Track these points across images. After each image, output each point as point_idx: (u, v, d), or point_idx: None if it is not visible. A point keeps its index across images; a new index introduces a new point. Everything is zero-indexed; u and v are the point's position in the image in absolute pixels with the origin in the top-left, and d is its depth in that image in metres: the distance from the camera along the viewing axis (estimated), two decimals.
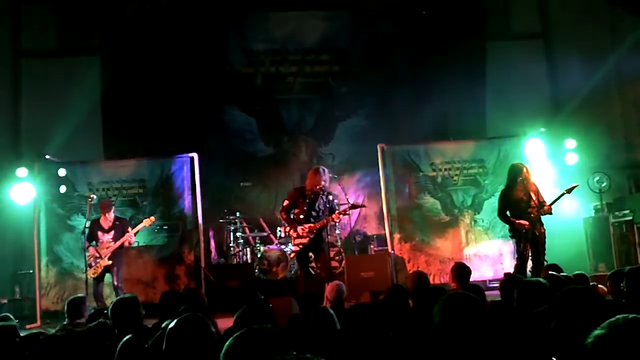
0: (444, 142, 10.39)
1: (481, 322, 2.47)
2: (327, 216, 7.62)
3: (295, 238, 7.72)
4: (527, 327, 3.34)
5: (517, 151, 9.89)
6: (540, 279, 3.85)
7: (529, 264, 7.72)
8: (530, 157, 9.83)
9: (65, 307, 5.41)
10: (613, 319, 1.78)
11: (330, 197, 7.75)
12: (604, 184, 10.32)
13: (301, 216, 7.68)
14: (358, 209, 8.95)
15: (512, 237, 7.93)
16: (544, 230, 7.77)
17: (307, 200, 7.68)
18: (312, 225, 7.61)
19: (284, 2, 11.52)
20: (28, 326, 8.34)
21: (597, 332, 1.78)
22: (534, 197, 7.75)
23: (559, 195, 7.78)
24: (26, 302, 9.82)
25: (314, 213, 7.68)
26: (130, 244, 8.49)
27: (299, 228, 7.65)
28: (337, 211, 7.73)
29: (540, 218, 7.74)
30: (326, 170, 7.83)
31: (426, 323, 2.71)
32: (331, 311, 3.68)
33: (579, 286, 3.21)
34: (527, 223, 7.62)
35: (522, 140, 10.06)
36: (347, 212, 7.81)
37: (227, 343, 2.20)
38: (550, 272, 5.07)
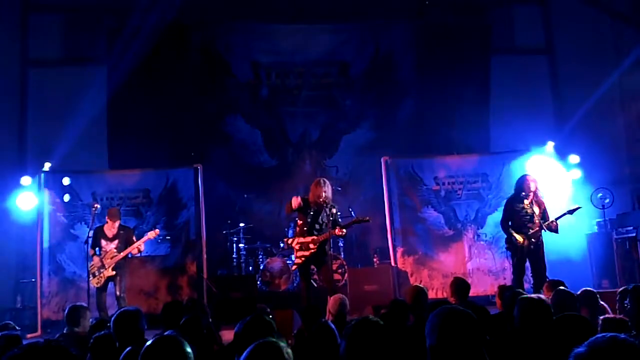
0: (448, 156, 10.39)
1: (473, 338, 2.47)
2: (331, 229, 7.61)
3: (297, 250, 7.71)
4: (528, 344, 3.34)
5: (521, 166, 9.89)
6: (542, 296, 3.84)
7: (530, 280, 7.75)
8: (533, 172, 9.83)
9: (65, 314, 5.39)
10: (593, 338, 1.83)
11: (334, 210, 7.72)
12: (607, 200, 10.29)
13: (305, 228, 7.69)
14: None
15: (507, 249, 7.96)
16: (542, 243, 7.74)
17: (311, 212, 7.68)
18: (315, 237, 7.61)
19: (290, 15, 11.58)
20: (29, 335, 8.34)
21: (577, 350, 1.82)
22: (537, 213, 7.74)
23: (561, 215, 7.78)
24: (27, 311, 9.82)
25: (317, 226, 7.67)
26: (140, 251, 8.47)
27: (302, 240, 7.66)
28: (340, 225, 7.70)
29: (537, 234, 7.73)
30: (327, 181, 7.82)
31: (424, 337, 2.71)
32: (332, 325, 3.68)
33: (571, 314, 3.22)
34: (522, 240, 7.63)
35: (526, 155, 10.06)
36: (351, 225, 7.81)
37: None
38: (560, 288, 5.04)
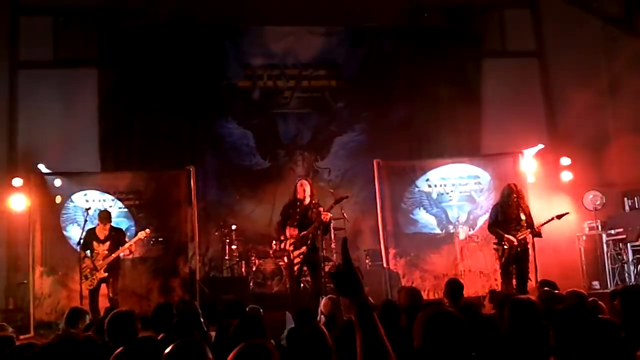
0: (440, 159, 10.44)
1: (459, 340, 2.48)
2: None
3: (293, 250, 7.77)
4: (519, 344, 3.37)
5: (512, 168, 9.94)
6: (531, 297, 3.87)
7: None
8: (525, 175, 9.89)
9: (66, 315, 5.47)
10: None
11: (321, 209, 7.92)
12: (598, 202, 10.37)
13: (295, 223, 7.78)
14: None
15: (496, 249, 8.08)
16: (528, 248, 7.92)
17: (298, 210, 7.84)
18: (305, 232, 7.71)
19: (282, 17, 11.60)
20: (21, 337, 8.30)
21: None
22: (523, 218, 7.94)
23: (548, 219, 7.92)
24: (19, 312, 9.77)
25: (307, 221, 7.82)
26: (131, 252, 8.50)
27: (294, 239, 7.72)
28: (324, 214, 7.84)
29: (525, 238, 7.89)
30: (307, 181, 8.08)
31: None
32: (322, 327, 3.69)
33: (575, 304, 3.24)
34: (514, 240, 7.81)
35: (518, 158, 10.10)
36: (333, 207, 8.02)
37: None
38: (546, 289, 5.08)
